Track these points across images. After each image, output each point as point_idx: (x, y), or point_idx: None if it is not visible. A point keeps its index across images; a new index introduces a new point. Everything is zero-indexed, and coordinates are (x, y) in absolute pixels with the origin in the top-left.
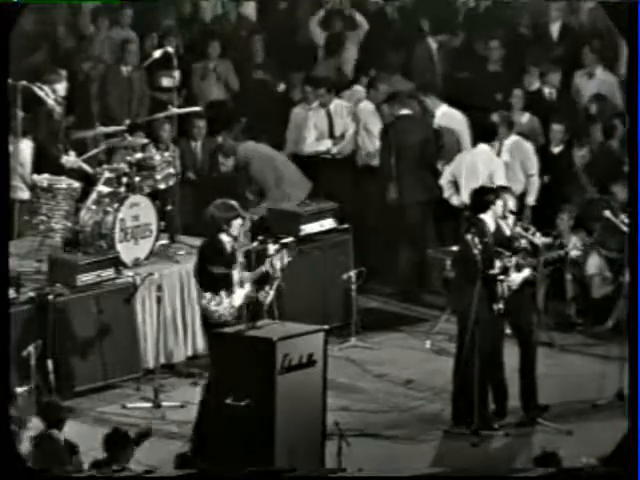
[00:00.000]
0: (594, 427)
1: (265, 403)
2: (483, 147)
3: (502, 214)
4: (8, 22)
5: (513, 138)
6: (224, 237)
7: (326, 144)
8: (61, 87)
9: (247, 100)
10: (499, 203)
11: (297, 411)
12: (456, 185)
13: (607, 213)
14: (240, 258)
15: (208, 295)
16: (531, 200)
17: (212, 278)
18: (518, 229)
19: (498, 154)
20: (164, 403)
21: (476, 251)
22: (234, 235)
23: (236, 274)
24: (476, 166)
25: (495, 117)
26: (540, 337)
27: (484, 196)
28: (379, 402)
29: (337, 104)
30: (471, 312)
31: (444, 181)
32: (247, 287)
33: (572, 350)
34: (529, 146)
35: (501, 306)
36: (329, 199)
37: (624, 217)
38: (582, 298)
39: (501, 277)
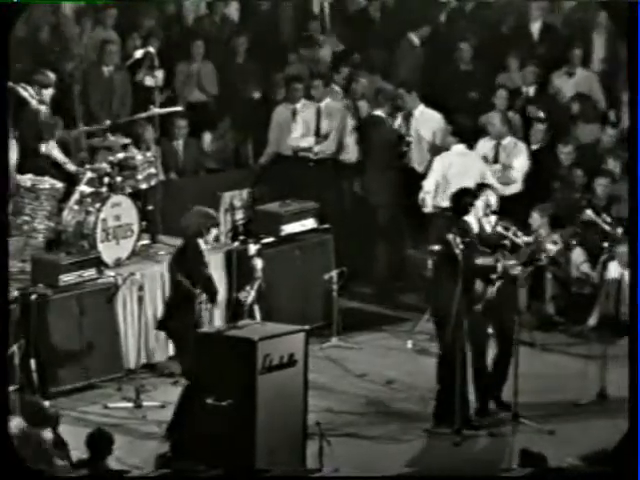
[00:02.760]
0: (576, 427)
1: (246, 403)
2: (460, 148)
3: (484, 212)
4: (8, 22)
5: (509, 139)
6: (201, 242)
7: (309, 141)
8: (49, 90)
9: (229, 100)
10: (479, 203)
11: (278, 411)
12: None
13: (589, 212)
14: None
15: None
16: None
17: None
18: (499, 229)
19: (496, 155)
20: (145, 403)
21: (458, 251)
22: (210, 242)
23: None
24: (466, 169)
25: (485, 119)
26: (521, 337)
27: (463, 198)
28: (360, 402)
29: (329, 103)
30: (452, 312)
31: (430, 187)
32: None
33: (553, 349)
34: (522, 146)
35: (479, 307)
36: (311, 199)
37: (605, 216)
38: (563, 297)
39: (492, 275)
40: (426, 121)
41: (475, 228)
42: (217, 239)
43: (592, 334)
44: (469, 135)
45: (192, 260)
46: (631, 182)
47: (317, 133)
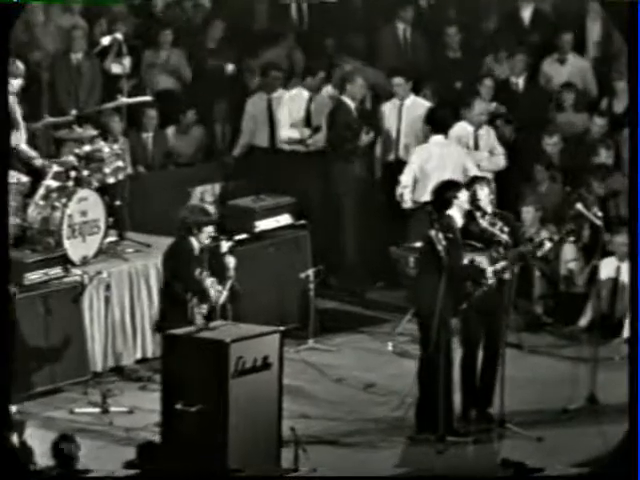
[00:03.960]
0: (565, 433)
1: (218, 408)
2: (438, 139)
3: (474, 205)
4: (8, 22)
5: (485, 127)
6: (194, 241)
7: (304, 132)
8: (18, 81)
9: (199, 89)
10: (462, 196)
11: (251, 417)
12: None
13: (579, 206)
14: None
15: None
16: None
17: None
18: (485, 224)
19: (476, 142)
20: (112, 408)
21: (440, 247)
22: (203, 243)
23: (208, 281)
24: (445, 160)
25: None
26: (508, 338)
27: (445, 191)
28: (338, 407)
29: (322, 95)
30: (435, 312)
31: (408, 181)
32: (213, 290)
33: (541, 352)
34: (493, 133)
35: (464, 306)
36: (289, 193)
37: (597, 210)
38: (551, 296)
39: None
40: (417, 111)
41: (459, 223)
42: (215, 239)
43: (583, 335)
44: (448, 125)
45: (182, 260)
46: (631, 180)
47: (308, 124)
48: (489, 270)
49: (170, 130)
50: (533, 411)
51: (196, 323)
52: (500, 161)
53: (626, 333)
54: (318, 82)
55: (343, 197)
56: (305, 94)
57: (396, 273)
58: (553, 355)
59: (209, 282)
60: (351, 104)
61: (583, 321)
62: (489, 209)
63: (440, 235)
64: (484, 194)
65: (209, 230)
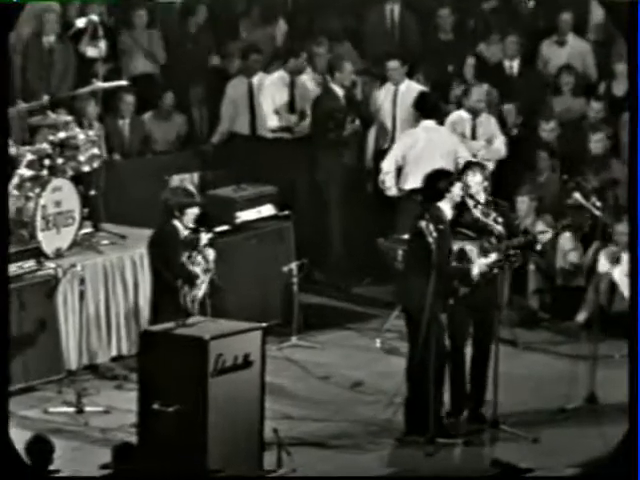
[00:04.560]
0: (563, 434)
1: (196, 409)
2: (430, 123)
3: (467, 193)
4: (8, 22)
5: (484, 115)
6: (178, 225)
7: (291, 119)
8: None
9: (178, 73)
10: (455, 190)
11: (232, 418)
12: (399, 171)
13: (577, 195)
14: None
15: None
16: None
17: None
18: (478, 214)
19: (474, 131)
20: (87, 408)
21: (431, 239)
22: (188, 226)
23: (197, 267)
24: (435, 146)
25: (460, 91)
26: (502, 334)
27: (437, 183)
28: (323, 407)
29: (305, 78)
30: (425, 307)
31: (389, 167)
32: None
33: (537, 349)
34: (494, 121)
35: (452, 302)
36: (272, 183)
37: (595, 200)
38: (547, 290)
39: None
40: (412, 96)
41: (448, 215)
42: (195, 231)
43: (581, 331)
44: (439, 110)
45: (168, 246)
46: (632, 179)
47: (292, 110)
48: (475, 272)
49: (147, 116)
50: (528, 411)
51: (192, 312)
52: (500, 150)
53: None
54: (301, 65)
55: (330, 187)
56: (287, 78)
57: (384, 266)
58: (549, 352)
59: (199, 267)
60: (339, 91)
61: (581, 316)
62: (482, 197)
63: (431, 226)
64: (476, 181)
65: (193, 212)
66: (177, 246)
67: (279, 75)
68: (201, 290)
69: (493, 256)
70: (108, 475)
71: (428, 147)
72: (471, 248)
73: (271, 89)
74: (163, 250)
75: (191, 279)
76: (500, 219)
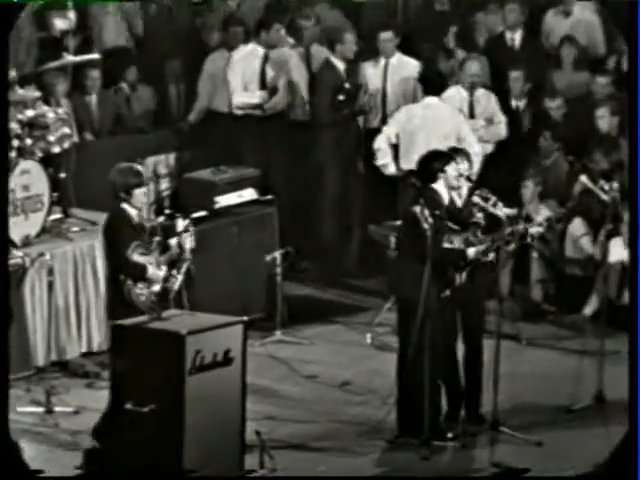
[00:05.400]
0: (568, 437)
1: (172, 409)
2: (432, 100)
3: (456, 182)
4: (8, 22)
5: (481, 90)
6: (129, 209)
7: (261, 96)
8: None
9: (154, 46)
10: (451, 170)
11: (211, 419)
12: (396, 150)
13: (583, 179)
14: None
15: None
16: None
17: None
18: (476, 199)
19: (472, 108)
20: (57, 408)
21: (426, 226)
22: (137, 207)
23: (152, 256)
24: (433, 124)
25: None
26: (503, 329)
27: (432, 163)
28: (309, 408)
29: (279, 51)
30: (420, 299)
31: (380, 144)
32: (164, 270)
33: (541, 344)
34: (494, 97)
35: (448, 293)
36: (253, 165)
37: (603, 183)
38: (552, 280)
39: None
40: (404, 71)
41: (445, 198)
42: (170, 217)
43: (588, 325)
44: (441, 85)
45: (117, 233)
46: (631, 178)
47: (263, 86)
48: (471, 252)
49: (114, 91)
50: (531, 411)
51: (149, 311)
52: (501, 130)
53: None
54: (276, 37)
55: (319, 168)
56: (260, 51)
57: (376, 255)
58: (554, 348)
59: (146, 259)
60: (340, 65)
61: (588, 309)
62: (464, 187)
63: (426, 212)
64: (465, 167)
65: (140, 192)
66: (125, 233)
67: (250, 48)
68: (177, 281)
69: (484, 246)
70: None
71: (426, 126)
72: (455, 242)
73: (241, 63)
74: (112, 238)
75: (137, 272)
76: (500, 204)
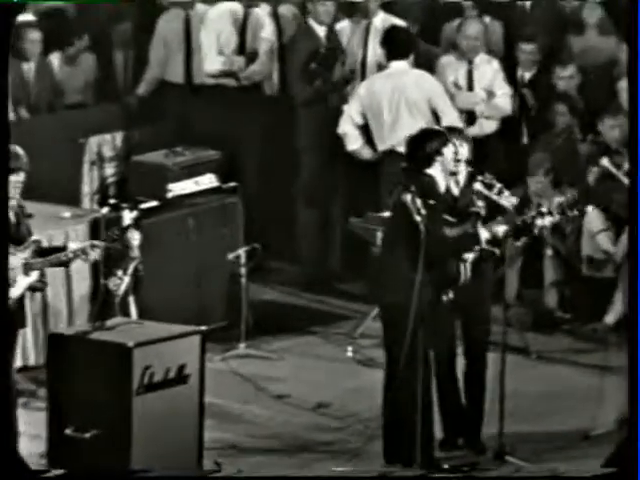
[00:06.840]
0: (586, 466)
1: (118, 434)
2: (398, 66)
3: (453, 167)
4: (8, 22)
5: (481, 55)
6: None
7: (237, 62)
8: None
9: (95, 5)
10: (447, 153)
11: (163, 446)
12: (367, 130)
13: (604, 161)
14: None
15: None
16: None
17: None
18: (478, 186)
19: (470, 79)
20: None
21: (419, 217)
22: (10, 196)
23: (19, 254)
24: (399, 96)
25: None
26: (510, 340)
27: (425, 144)
28: (278, 434)
29: (259, 12)
30: (412, 305)
31: (345, 128)
32: (33, 275)
33: (555, 358)
34: (496, 62)
35: (451, 295)
36: (214, 146)
37: (626, 165)
38: (568, 283)
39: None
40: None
41: (442, 186)
42: (115, 208)
43: (610, 336)
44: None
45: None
46: (631, 177)
47: (241, 52)
48: (485, 237)
49: (55, 58)
50: (543, 438)
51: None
52: (505, 105)
53: None
54: None
55: (292, 151)
56: (240, 11)
57: (359, 253)
58: (570, 362)
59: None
60: (319, 30)
61: (610, 317)
62: (463, 172)
63: (418, 201)
64: (465, 150)
65: (18, 179)
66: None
67: (229, 6)
68: (122, 284)
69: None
70: None
71: (393, 98)
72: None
73: (217, 24)
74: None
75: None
76: (506, 192)
